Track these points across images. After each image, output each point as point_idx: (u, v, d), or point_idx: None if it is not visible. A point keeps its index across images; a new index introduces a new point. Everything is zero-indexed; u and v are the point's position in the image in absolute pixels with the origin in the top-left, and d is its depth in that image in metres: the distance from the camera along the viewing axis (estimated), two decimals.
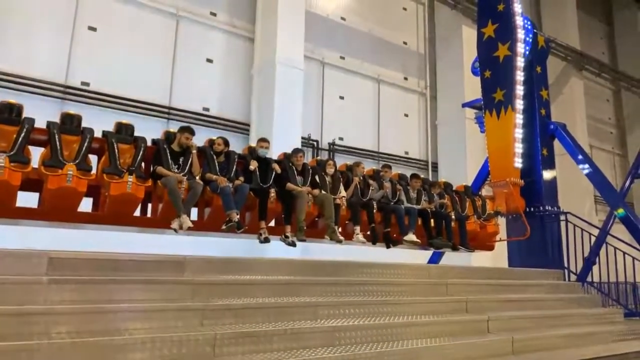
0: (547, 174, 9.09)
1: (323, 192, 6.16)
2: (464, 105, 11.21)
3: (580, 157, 9.10)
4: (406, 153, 13.74)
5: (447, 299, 5.73)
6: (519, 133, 8.48)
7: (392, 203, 6.85)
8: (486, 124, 8.86)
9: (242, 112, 10.92)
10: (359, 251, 6.65)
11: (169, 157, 5.32)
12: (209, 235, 5.97)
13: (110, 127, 5.38)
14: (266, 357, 3.73)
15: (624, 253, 8.01)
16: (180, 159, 5.38)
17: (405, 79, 14.16)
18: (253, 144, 6.53)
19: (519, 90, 8.53)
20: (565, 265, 8.44)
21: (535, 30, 9.55)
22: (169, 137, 5.56)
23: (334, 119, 12.31)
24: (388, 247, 6.58)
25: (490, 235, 8.11)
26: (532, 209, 8.72)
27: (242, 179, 5.65)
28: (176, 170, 5.29)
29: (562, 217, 8.75)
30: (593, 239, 8.54)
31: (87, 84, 9.16)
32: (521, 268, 8.25)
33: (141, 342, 3.38)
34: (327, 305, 4.64)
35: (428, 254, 9.38)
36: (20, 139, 4.62)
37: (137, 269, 4.19)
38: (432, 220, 7.04)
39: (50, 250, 4.06)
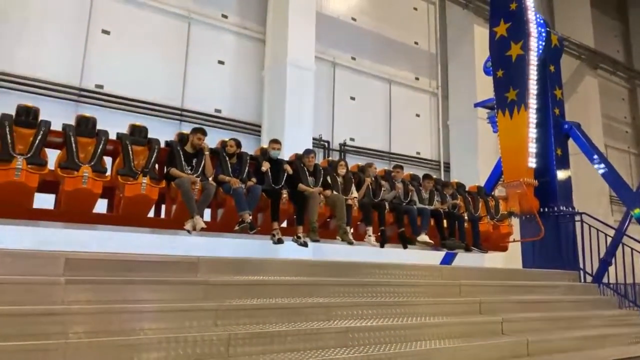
0: (561, 174, 8.99)
1: (335, 192, 6.16)
2: (476, 105, 11.12)
3: (595, 156, 8.99)
4: (418, 153, 13.68)
5: (460, 300, 5.69)
6: (532, 133, 8.39)
7: (405, 204, 6.83)
8: (499, 124, 8.78)
9: (254, 114, 10.97)
10: (371, 252, 6.64)
11: (182, 159, 5.36)
12: (222, 236, 6.00)
13: (124, 129, 5.44)
14: (280, 357, 3.74)
15: None
16: (194, 161, 5.42)
17: (417, 79, 14.10)
18: (264, 145, 6.56)
19: (533, 89, 8.44)
20: (581, 266, 8.33)
21: (548, 29, 9.45)
22: (182, 138, 5.60)
23: (345, 119, 12.30)
24: (405, 247, 6.55)
25: (504, 236, 8.04)
26: (546, 210, 8.63)
27: (254, 180, 5.67)
28: (189, 172, 5.32)
29: (577, 218, 8.64)
30: (609, 239, 8.42)
31: (101, 87, 9.27)
32: (535, 269, 8.16)
33: (157, 341, 3.41)
34: (340, 305, 4.65)
35: (440, 255, 9.32)
36: (37, 141, 4.69)
37: (151, 270, 4.23)
38: (444, 221, 7.00)
39: (66, 251, 4.11)
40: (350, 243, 5.86)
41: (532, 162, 8.35)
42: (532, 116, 8.42)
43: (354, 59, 12.83)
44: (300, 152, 6.43)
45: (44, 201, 5.11)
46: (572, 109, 13.25)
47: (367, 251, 6.61)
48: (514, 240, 8.49)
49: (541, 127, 8.80)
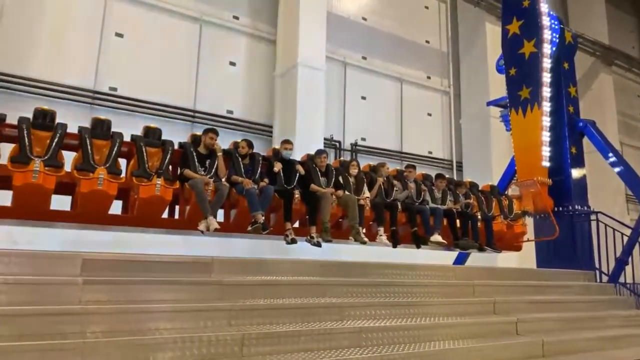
0: (576, 173, 8.87)
1: (347, 193, 6.16)
2: (488, 103, 11.04)
3: (610, 154, 8.86)
4: (430, 153, 13.61)
5: (474, 300, 5.66)
6: (546, 131, 8.31)
7: (417, 204, 6.81)
8: (512, 123, 8.71)
9: (265, 114, 11.01)
10: (384, 252, 6.63)
11: (196, 160, 5.41)
12: (235, 237, 6.04)
13: (137, 131, 5.51)
14: (293, 357, 3.76)
15: None
16: (207, 162, 5.46)
17: (428, 78, 14.03)
18: (276, 145, 6.58)
19: (546, 88, 8.35)
20: (597, 266, 8.22)
21: (562, 26, 9.34)
22: (195, 140, 5.65)
23: (356, 119, 12.28)
24: (418, 247, 6.53)
25: (518, 236, 7.97)
26: (561, 209, 8.53)
27: (266, 180, 5.70)
28: (203, 173, 5.37)
29: (593, 217, 8.53)
30: (625, 238, 8.29)
31: (115, 89, 9.38)
32: (550, 269, 8.07)
33: (172, 341, 3.45)
34: (353, 306, 4.65)
35: (453, 255, 9.27)
36: (54, 144, 4.77)
37: (166, 270, 4.28)
38: (457, 221, 6.96)
39: (83, 252, 4.17)
40: (363, 243, 5.85)
41: (546, 161, 8.26)
42: (546, 114, 8.33)
43: (364, 58, 12.81)
44: (312, 152, 6.44)
45: (61, 203, 5.19)
46: (586, 107, 13.06)
47: (379, 251, 6.61)
48: (528, 240, 8.41)
49: (555, 125, 8.70)
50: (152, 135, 5.41)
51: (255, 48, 11.22)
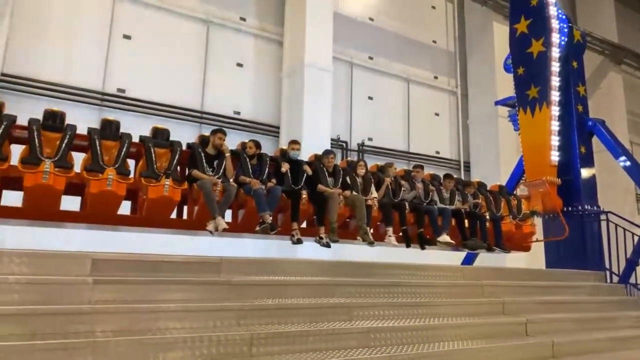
0: (585, 172, 8.80)
1: (354, 193, 6.15)
2: (496, 103, 10.99)
3: (620, 153, 8.78)
4: (437, 153, 13.57)
5: (483, 300, 5.63)
6: (555, 130, 8.25)
7: (425, 204, 6.78)
8: (520, 122, 8.66)
9: (272, 115, 11.03)
10: (391, 252, 6.61)
11: (204, 161, 5.43)
12: (243, 237, 6.05)
13: (145, 132, 5.54)
14: (302, 357, 3.76)
15: None
16: (215, 162, 5.48)
17: (435, 77, 13.99)
18: (283, 146, 6.59)
19: (555, 86, 8.29)
20: (607, 266, 8.15)
21: (570, 24, 9.28)
22: (203, 140, 5.68)
23: (363, 119, 12.28)
24: (422, 248, 6.51)
25: (527, 236, 7.92)
26: (570, 209, 8.46)
27: (274, 181, 5.71)
28: (211, 173, 5.39)
29: (603, 217, 8.46)
30: (636, 238, 8.20)
31: (123, 91, 9.45)
32: (560, 269, 8.01)
33: (182, 341, 3.46)
34: (361, 306, 4.64)
35: (461, 255, 9.22)
36: (64, 145, 4.81)
37: (175, 270, 4.29)
38: (466, 221, 6.93)
39: (93, 252, 4.20)
40: (371, 243, 5.84)
41: (554, 161, 8.20)
42: (555, 114, 8.28)
43: (371, 58, 12.80)
44: (319, 152, 6.45)
45: (71, 203, 5.23)
46: (595, 106, 12.95)
47: (387, 252, 6.59)
48: (537, 240, 8.36)
49: (564, 125, 8.63)
50: (160, 136, 5.44)
51: (262, 49, 11.25)
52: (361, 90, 12.45)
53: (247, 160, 5.76)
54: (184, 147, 5.54)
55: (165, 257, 4.39)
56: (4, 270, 3.69)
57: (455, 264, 8.26)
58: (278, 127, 10.94)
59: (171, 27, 10.18)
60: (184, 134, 7.79)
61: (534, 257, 9.13)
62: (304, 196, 5.78)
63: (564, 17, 9.15)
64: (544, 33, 8.37)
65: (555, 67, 8.36)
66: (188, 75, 10.21)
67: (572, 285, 6.96)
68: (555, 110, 8.28)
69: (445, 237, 6.51)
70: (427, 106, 13.63)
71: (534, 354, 4.88)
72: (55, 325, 3.32)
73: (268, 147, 9.43)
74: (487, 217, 7.20)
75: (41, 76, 8.64)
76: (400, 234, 6.42)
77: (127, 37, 9.68)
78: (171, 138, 5.53)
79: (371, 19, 13.02)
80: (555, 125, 8.27)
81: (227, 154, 5.57)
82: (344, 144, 11.75)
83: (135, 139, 5.33)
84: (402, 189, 6.73)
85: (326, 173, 6.15)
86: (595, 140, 9.15)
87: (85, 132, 5.07)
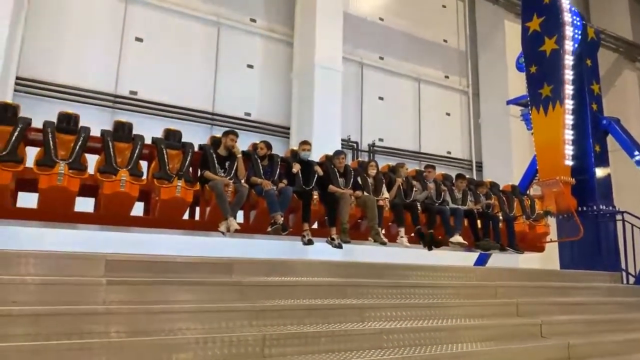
0: (600, 172, 8.68)
1: (365, 193, 6.13)
2: (508, 102, 10.89)
3: (636, 152, 8.62)
4: (449, 153, 13.48)
5: (496, 301, 5.56)
6: (568, 129, 8.15)
7: (437, 204, 6.73)
8: (533, 121, 8.57)
9: (283, 116, 11.05)
10: (403, 253, 6.58)
11: (216, 162, 5.46)
12: (254, 238, 6.06)
13: (157, 134, 5.57)
14: (315, 358, 3.74)
15: None
16: (226, 164, 5.51)
17: (446, 77, 13.91)
18: (293, 147, 6.59)
19: (568, 85, 8.19)
20: (623, 267, 8.02)
21: (584, 22, 9.15)
22: (215, 142, 5.70)
23: (373, 119, 12.24)
24: (430, 249, 6.46)
25: (540, 236, 7.83)
26: (585, 209, 8.35)
27: (285, 181, 5.71)
28: (222, 174, 5.41)
29: (618, 217, 8.33)
30: None
31: (135, 93, 9.54)
32: (575, 270, 7.90)
33: (194, 341, 3.47)
34: (373, 307, 4.61)
35: (474, 256, 9.14)
36: (78, 147, 4.86)
37: (187, 271, 4.31)
38: (478, 221, 6.87)
39: (106, 253, 4.24)
40: (383, 244, 5.82)
41: (568, 160, 8.10)
42: (569, 107, 8.16)
43: (382, 58, 12.76)
44: (329, 153, 6.43)
45: (85, 205, 5.29)
46: (610, 104, 12.75)
47: (398, 252, 6.56)
48: (551, 241, 8.25)
49: (578, 124, 8.52)
50: (172, 137, 5.48)
51: (272, 50, 11.27)
52: (372, 91, 12.42)
53: (259, 161, 5.78)
54: (196, 149, 5.57)
55: (178, 258, 4.41)
56: (20, 271, 3.73)
57: (468, 264, 8.19)
58: (288, 128, 10.95)
59: (182, 29, 10.25)
60: (196, 135, 7.82)
61: (548, 258, 9.01)
62: (315, 197, 5.78)
63: (577, 14, 9.03)
64: (557, 31, 8.28)
65: (569, 60, 8.26)
66: (199, 77, 10.28)
67: (588, 287, 6.85)
68: (569, 104, 8.17)
69: (457, 238, 6.47)
70: (438, 106, 13.55)
71: (550, 356, 4.80)
72: (70, 325, 3.34)
73: (279, 148, 9.44)
74: (500, 217, 7.13)
75: (55, 79, 8.75)
76: (413, 234, 6.38)
77: (139, 39, 9.76)
78: (183, 139, 5.56)
79: (381, 19, 12.98)
80: (569, 120, 8.17)
81: (239, 155, 5.59)
82: (355, 145, 11.73)
83: (148, 141, 5.37)
84: (414, 189, 6.70)
85: (337, 173, 6.14)
86: (610, 139, 9.02)
87: (98, 134, 5.12)
